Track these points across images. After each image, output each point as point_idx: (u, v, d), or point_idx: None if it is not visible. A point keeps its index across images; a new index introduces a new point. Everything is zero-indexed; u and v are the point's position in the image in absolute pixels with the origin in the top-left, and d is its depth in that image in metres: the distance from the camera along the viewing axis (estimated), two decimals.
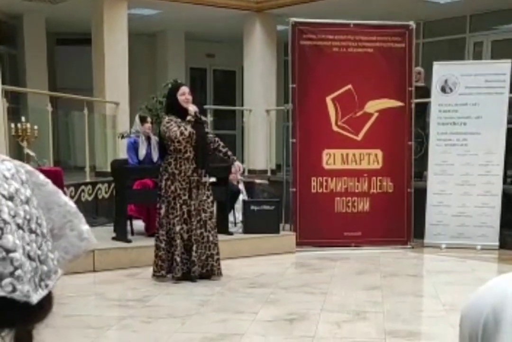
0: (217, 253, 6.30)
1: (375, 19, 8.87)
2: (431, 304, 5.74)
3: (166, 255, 6.18)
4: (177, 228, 6.10)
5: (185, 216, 6.13)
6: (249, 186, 10.40)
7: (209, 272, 6.29)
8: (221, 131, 14.45)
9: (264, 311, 5.28)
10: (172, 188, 6.09)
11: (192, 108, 6.08)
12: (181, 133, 6.02)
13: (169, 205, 6.11)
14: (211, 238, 6.23)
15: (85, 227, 0.82)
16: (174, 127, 6.04)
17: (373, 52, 8.43)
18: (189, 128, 6.04)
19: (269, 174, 11.90)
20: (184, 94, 6.15)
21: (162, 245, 6.17)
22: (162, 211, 6.15)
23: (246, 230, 8.08)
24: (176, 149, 6.09)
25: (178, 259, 6.12)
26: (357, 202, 8.50)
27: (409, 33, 8.51)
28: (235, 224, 8.51)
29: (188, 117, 6.07)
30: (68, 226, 0.82)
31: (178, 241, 6.11)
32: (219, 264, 6.33)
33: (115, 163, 8.18)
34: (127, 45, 11.34)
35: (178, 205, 6.09)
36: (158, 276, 6.23)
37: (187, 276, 6.21)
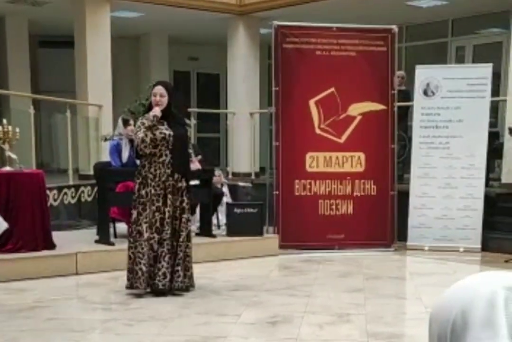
0: (186, 267, 5.87)
1: (357, 23, 8.91)
2: (414, 306, 5.77)
3: (131, 264, 5.78)
4: (145, 236, 5.70)
5: (157, 224, 5.73)
6: (233, 189, 10.40)
7: (179, 287, 5.84)
8: (205, 134, 14.49)
9: (247, 314, 5.28)
10: (143, 192, 5.71)
11: (152, 113, 5.70)
12: (143, 141, 5.66)
13: (140, 210, 5.72)
14: (181, 248, 5.81)
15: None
16: (141, 133, 5.67)
17: (356, 56, 8.47)
18: (149, 134, 5.65)
19: (253, 176, 11.92)
20: (155, 96, 5.78)
21: (129, 253, 5.77)
22: (133, 217, 5.77)
23: (230, 233, 8.07)
24: (151, 152, 5.71)
25: (145, 269, 5.71)
26: (340, 205, 8.52)
27: (391, 37, 8.55)
28: (219, 226, 8.51)
29: (148, 123, 5.71)
30: None
31: (145, 250, 5.71)
32: (188, 278, 5.91)
33: (98, 166, 8.16)
34: (110, 48, 11.31)
35: (150, 212, 5.70)
36: (128, 286, 5.84)
37: (155, 290, 5.82)
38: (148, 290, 5.85)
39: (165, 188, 5.75)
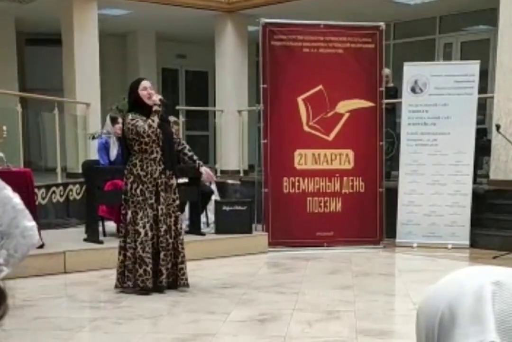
0: (182, 262, 5.87)
1: (345, 20, 8.91)
2: (403, 303, 5.78)
3: (132, 265, 5.75)
4: (149, 235, 5.67)
5: (151, 221, 5.71)
6: (222, 186, 10.39)
7: (174, 282, 5.89)
8: (193, 132, 14.47)
9: (236, 312, 5.28)
10: (138, 190, 5.66)
11: (156, 97, 5.67)
12: (150, 126, 5.61)
13: (136, 209, 5.67)
14: (175, 245, 5.83)
15: (30, 223, 0.82)
16: (141, 122, 5.64)
17: (344, 53, 8.47)
18: (156, 119, 5.63)
19: (241, 174, 11.92)
20: (145, 89, 5.72)
21: (129, 254, 5.72)
22: (128, 217, 5.71)
23: (219, 230, 8.07)
24: (142, 150, 5.69)
25: (153, 268, 5.70)
26: (329, 202, 8.53)
27: (379, 34, 8.56)
28: (208, 224, 8.50)
29: (155, 108, 5.65)
30: (14, 223, 0.82)
31: (151, 249, 5.69)
32: (183, 274, 5.89)
33: (86, 164, 8.14)
34: (97, 46, 11.27)
35: (147, 210, 5.67)
36: (125, 287, 5.80)
37: (155, 287, 5.80)
38: (151, 286, 5.80)
39: (157, 185, 5.73)
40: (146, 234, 5.69)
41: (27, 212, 0.75)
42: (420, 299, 1.00)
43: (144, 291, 5.78)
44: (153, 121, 5.65)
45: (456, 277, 0.98)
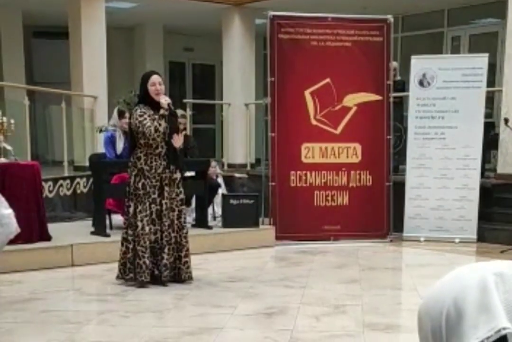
0: (186, 256, 5.88)
1: (353, 13, 8.87)
2: (410, 297, 5.77)
3: (133, 257, 5.79)
4: (147, 229, 5.71)
5: (153, 215, 5.73)
6: (229, 180, 10.38)
7: (176, 276, 5.91)
8: (200, 126, 14.46)
9: (243, 305, 5.28)
10: (140, 184, 5.68)
11: (165, 101, 5.63)
12: (156, 130, 5.61)
13: (137, 202, 5.70)
14: (178, 239, 5.84)
15: (6, 211, 0.81)
16: (148, 122, 5.63)
17: (351, 46, 8.44)
18: (163, 123, 5.63)
19: (248, 167, 11.91)
20: (154, 85, 5.68)
21: (131, 246, 5.77)
22: (131, 209, 5.73)
23: (225, 224, 8.07)
24: (147, 144, 5.68)
25: (148, 261, 5.73)
26: (336, 196, 8.51)
27: (387, 27, 8.52)
28: (215, 218, 8.50)
29: (161, 112, 5.63)
30: None
31: (147, 243, 5.72)
32: (187, 267, 5.92)
33: (93, 158, 8.14)
34: (105, 39, 11.25)
35: (147, 204, 5.69)
36: (127, 279, 5.86)
37: (157, 281, 5.83)
38: (147, 280, 5.82)
39: (161, 180, 5.74)
40: (143, 228, 5.72)
41: (3, 199, 0.74)
42: (422, 300, 1.00)
43: (142, 284, 5.81)
44: (160, 125, 5.65)
45: (457, 273, 0.98)
